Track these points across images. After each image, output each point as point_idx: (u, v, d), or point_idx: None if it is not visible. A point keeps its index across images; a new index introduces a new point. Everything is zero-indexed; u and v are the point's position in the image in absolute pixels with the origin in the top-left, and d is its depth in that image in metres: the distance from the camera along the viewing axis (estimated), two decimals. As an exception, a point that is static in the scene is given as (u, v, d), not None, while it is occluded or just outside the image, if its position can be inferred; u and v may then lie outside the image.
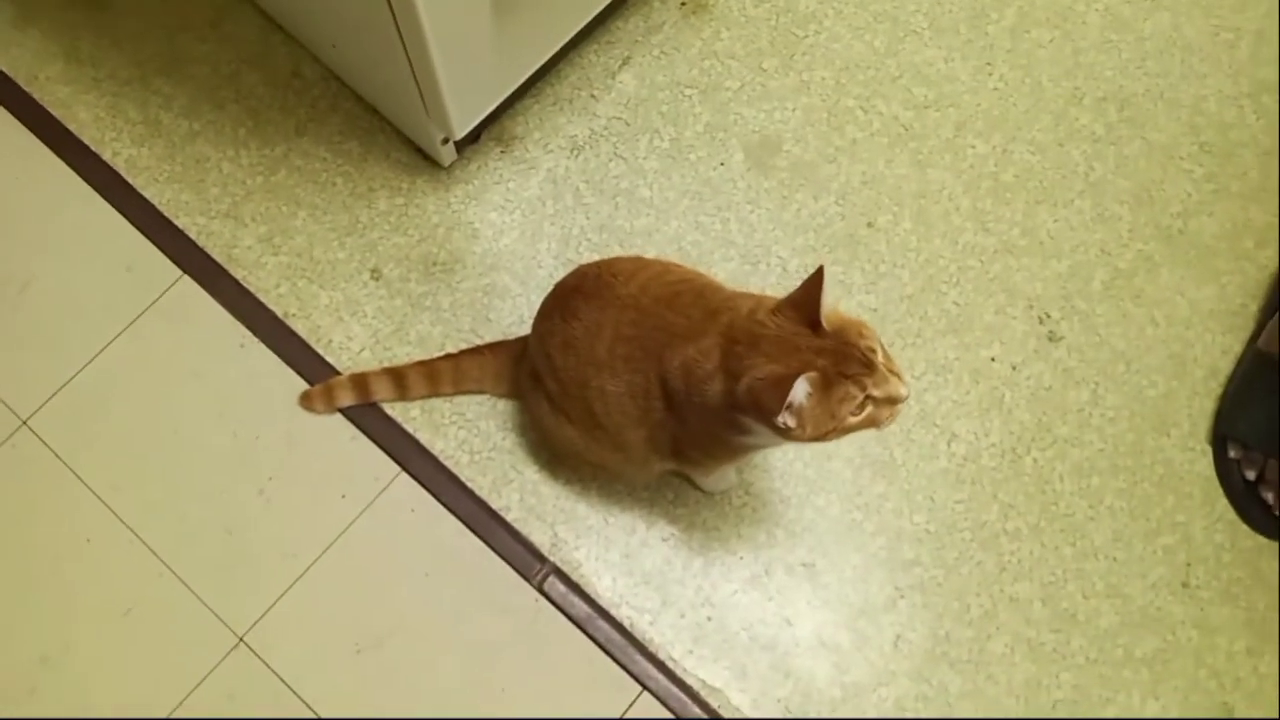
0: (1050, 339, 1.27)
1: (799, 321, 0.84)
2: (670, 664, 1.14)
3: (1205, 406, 1.24)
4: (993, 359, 1.26)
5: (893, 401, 0.84)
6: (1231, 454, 1.21)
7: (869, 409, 0.83)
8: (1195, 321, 1.27)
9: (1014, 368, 1.25)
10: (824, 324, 0.83)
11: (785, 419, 0.81)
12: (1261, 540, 1.20)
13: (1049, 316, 1.27)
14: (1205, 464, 1.23)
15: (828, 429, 0.83)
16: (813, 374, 0.80)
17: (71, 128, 1.30)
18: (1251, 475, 1.20)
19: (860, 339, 0.83)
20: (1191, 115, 1.35)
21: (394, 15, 0.97)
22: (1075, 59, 1.38)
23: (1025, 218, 1.31)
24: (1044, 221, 1.31)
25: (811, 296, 0.83)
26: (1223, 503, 1.21)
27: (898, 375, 0.84)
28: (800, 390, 0.79)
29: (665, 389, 0.93)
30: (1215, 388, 1.25)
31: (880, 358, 0.84)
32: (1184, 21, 1.39)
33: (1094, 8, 1.40)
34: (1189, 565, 1.19)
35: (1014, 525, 1.20)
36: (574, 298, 1.00)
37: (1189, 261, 1.29)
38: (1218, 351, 1.26)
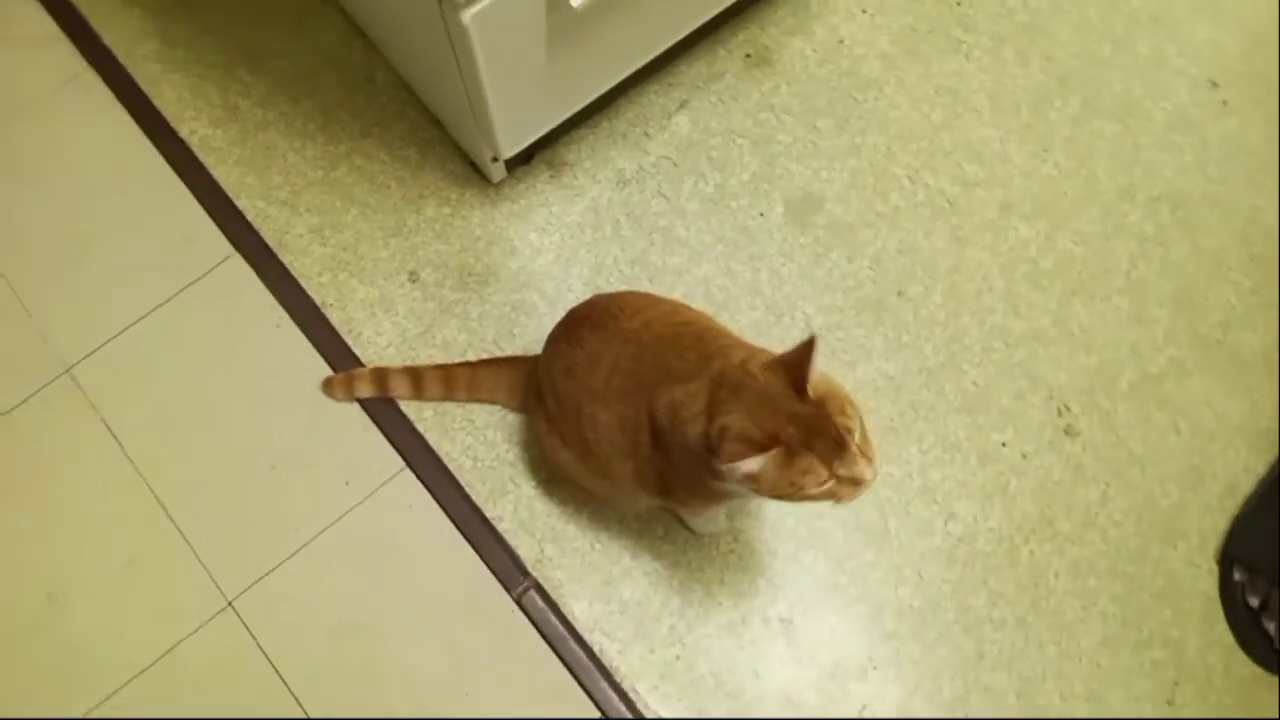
0: (1067, 432, 1.25)
1: (786, 382, 0.85)
2: (633, 695, 1.15)
3: (1217, 524, 1.21)
4: (1004, 444, 1.24)
5: (855, 483, 0.85)
6: (1237, 577, 1.17)
7: (830, 484, 0.84)
8: (1220, 435, 1.24)
9: (1024, 456, 1.24)
10: (810, 391, 0.84)
11: (737, 471, 0.82)
12: (1257, 670, 1.16)
13: (1068, 409, 1.26)
14: (1209, 583, 1.19)
15: (785, 493, 0.84)
16: (777, 450, 0.81)
17: (156, 103, 1.39)
18: (1255, 602, 1.16)
19: (841, 415, 0.84)
20: (1246, 225, 1.33)
21: (450, 41, 1.02)
22: (1135, 154, 1.36)
23: (1059, 307, 1.30)
24: (1078, 313, 1.29)
25: (802, 360, 0.84)
26: (1222, 625, 1.18)
27: (868, 458, 0.85)
28: (755, 463, 0.81)
29: (653, 426, 0.95)
30: (1231, 506, 1.22)
31: (856, 438, 0.84)
32: (1251, 130, 1.37)
33: (1161, 105, 1.38)
34: (1176, 684, 1.16)
35: (1000, 614, 1.18)
36: (581, 326, 1.03)
37: (1222, 373, 1.27)
38: (1239, 469, 1.23)
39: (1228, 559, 1.19)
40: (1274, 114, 1.37)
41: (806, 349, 0.83)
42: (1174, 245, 1.32)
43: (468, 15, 0.96)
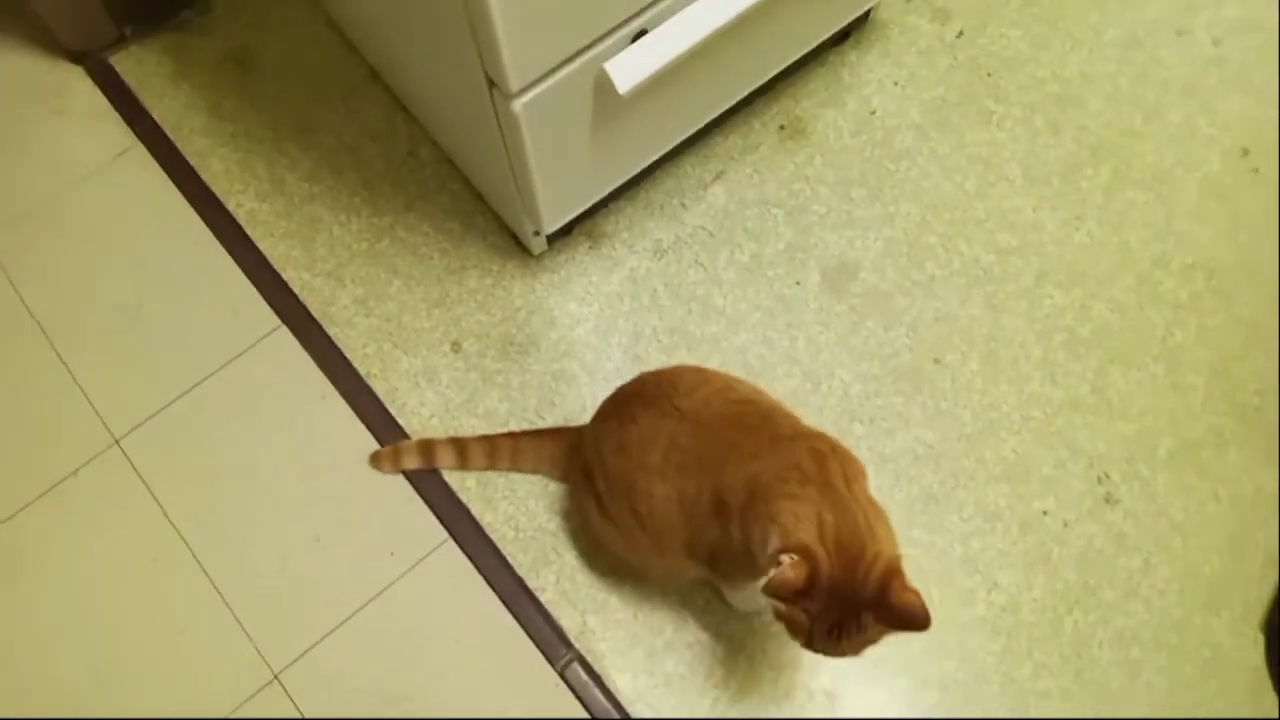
0: (1107, 500, 1.25)
1: (879, 584, 0.85)
2: (677, 770, 1.15)
3: (1261, 593, 1.21)
4: (1045, 513, 1.25)
5: (820, 652, 0.88)
6: (1283, 647, 1.17)
7: (802, 638, 0.88)
8: (1260, 504, 1.24)
9: (1066, 524, 1.24)
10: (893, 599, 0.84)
11: (763, 554, 0.85)
12: (1307, 742, 1.16)
13: (1108, 478, 1.26)
14: (1255, 653, 1.19)
15: (773, 606, 0.87)
16: (801, 574, 0.83)
17: (204, 177, 1.42)
18: (1303, 672, 1.16)
19: (874, 631, 0.85)
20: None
21: (500, 129, 1.05)
22: (1168, 223, 1.38)
23: (1096, 375, 1.30)
24: (1115, 381, 1.30)
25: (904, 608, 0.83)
26: (1270, 696, 1.17)
27: (850, 655, 0.88)
28: (780, 571, 0.83)
29: (717, 500, 0.96)
30: (1273, 575, 1.22)
31: (865, 635, 0.86)
32: (1284, 199, 1.38)
33: (1194, 175, 1.40)
34: (1225, 756, 1.15)
35: (1044, 686, 1.18)
36: (633, 403, 1.05)
37: (1260, 442, 1.27)
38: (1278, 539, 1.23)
39: (1274, 628, 1.18)
40: (1305, 182, 1.39)
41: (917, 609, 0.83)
42: (1209, 314, 1.33)
43: (518, 105, 0.99)
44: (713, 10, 1.03)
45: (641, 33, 1.01)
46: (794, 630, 0.89)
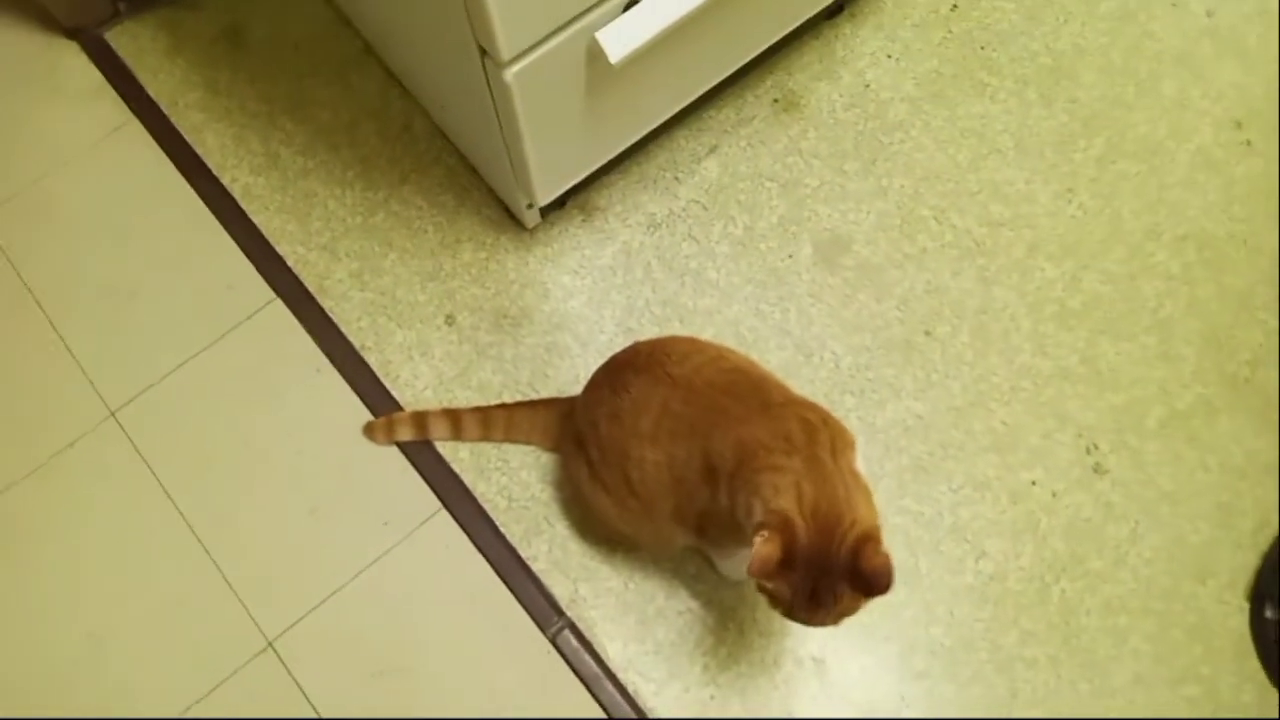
0: (1096, 470, 1.26)
1: (852, 550, 0.86)
2: (668, 735, 1.17)
3: (1248, 561, 1.22)
4: (1034, 483, 1.26)
5: (797, 621, 0.91)
6: (1269, 614, 1.18)
7: (782, 608, 0.90)
8: (1249, 473, 1.25)
9: (1054, 494, 1.25)
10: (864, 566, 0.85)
11: (748, 523, 0.86)
12: (1292, 708, 1.17)
13: (1097, 448, 1.27)
14: (1240, 620, 1.20)
15: (753, 578, 0.88)
16: (793, 580, 0.86)
17: (199, 152, 1.43)
18: (1288, 639, 1.17)
19: (853, 602, 0.88)
20: (1271, 264, 1.34)
21: (493, 99, 1.05)
22: (1159, 194, 1.38)
23: (1087, 346, 1.31)
24: (1105, 352, 1.31)
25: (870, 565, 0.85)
26: (1254, 663, 1.18)
27: (828, 622, 0.89)
28: (756, 549, 0.84)
29: (707, 464, 0.97)
30: (1261, 543, 1.22)
31: (839, 607, 0.88)
32: (1275, 169, 1.38)
33: (1185, 146, 1.40)
34: (1211, 721, 1.16)
35: (1032, 653, 1.19)
36: (625, 372, 1.06)
37: (1251, 411, 1.28)
38: (1269, 506, 1.24)
39: (1259, 596, 1.19)
40: (1297, 153, 1.39)
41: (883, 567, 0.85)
42: (1200, 284, 1.33)
43: (510, 73, 0.99)
44: (703, -20, 1.04)
45: (633, 1, 1.02)
46: (774, 603, 0.91)
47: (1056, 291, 1.34)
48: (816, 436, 0.91)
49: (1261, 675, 1.17)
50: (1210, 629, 1.19)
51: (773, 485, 0.87)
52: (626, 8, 1.02)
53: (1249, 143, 1.40)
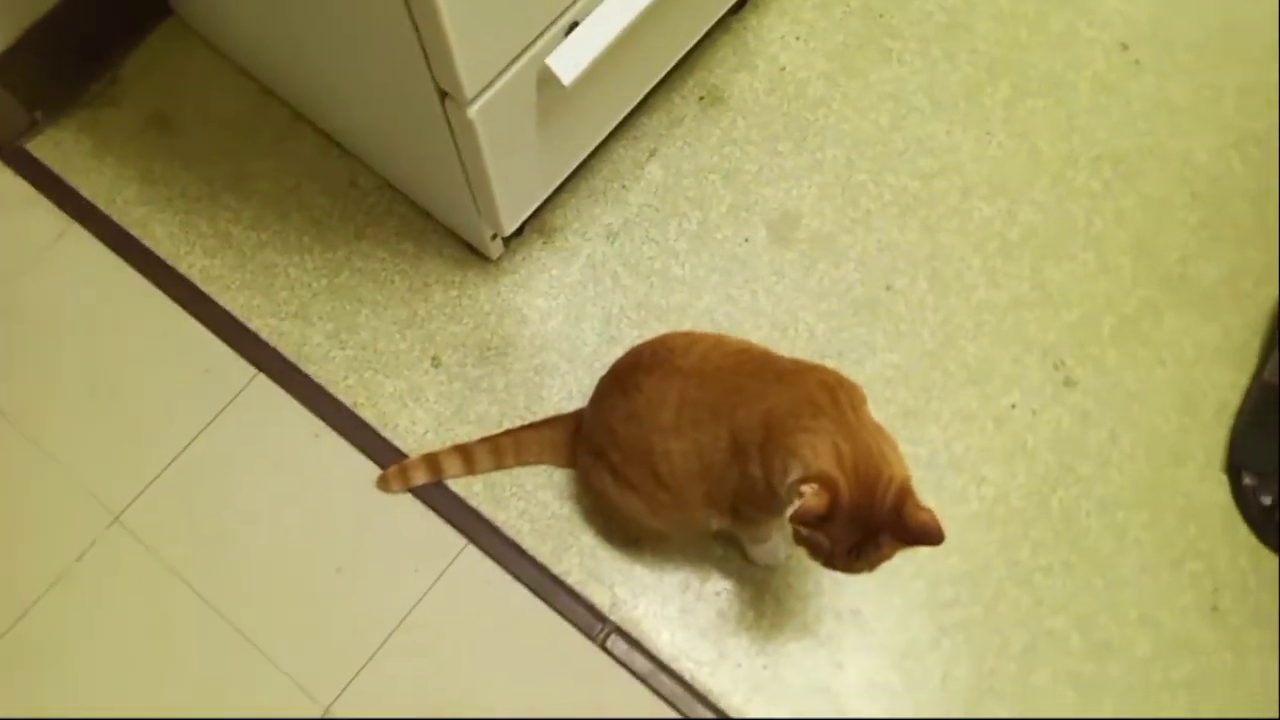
0: (1066, 384, 1.35)
1: (895, 505, 0.92)
2: (731, 713, 1.21)
3: (1218, 439, 1.32)
4: (1013, 406, 1.34)
5: (841, 569, 0.96)
6: (1246, 481, 1.28)
7: (822, 558, 0.95)
8: (1202, 359, 1.36)
9: (1034, 413, 1.34)
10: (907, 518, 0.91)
11: (789, 493, 0.91)
12: (1284, 562, 1.27)
13: (1063, 364, 1.36)
14: (1223, 493, 1.30)
15: (795, 532, 0.94)
16: (836, 540, 0.91)
17: (149, 244, 1.42)
18: (1268, 500, 1.27)
19: (890, 548, 0.93)
20: (1182, 168, 1.45)
21: (454, 139, 1.09)
22: (1069, 123, 1.48)
23: (1033, 273, 1.40)
24: (1051, 275, 1.40)
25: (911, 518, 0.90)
26: (1243, 529, 1.28)
27: (865, 569, 0.95)
28: (807, 502, 0.89)
29: (735, 443, 1.01)
30: (1226, 420, 1.33)
31: (882, 551, 0.93)
32: (1168, 82, 1.50)
33: (1082, 75, 1.51)
34: (1216, 590, 1.26)
35: (1046, 561, 1.27)
36: (634, 374, 1.10)
37: (1191, 304, 1.38)
38: (1225, 386, 1.34)
39: (1234, 468, 1.30)
40: (1182, 66, 1.51)
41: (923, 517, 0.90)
42: (1122, 198, 1.44)
43: (473, 111, 1.03)
44: (633, -5, 1.09)
45: (574, 25, 1.06)
46: (814, 552, 0.96)
47: (995, 228, 1.43)
48: (836, 396, 0.97)
49: (1252, 539, 1.27)
50: (1198, 508, 1.29)
51: (810, 446, 0.92)
52: (568, 31, 1.07)
53: (1138, 62, 1.51)
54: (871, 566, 0.96)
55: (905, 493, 0.92)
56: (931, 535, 0.89)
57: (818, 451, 0.92)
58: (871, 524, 0.92)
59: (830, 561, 0.96)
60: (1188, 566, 1.27)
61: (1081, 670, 1.22)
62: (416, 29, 0.93)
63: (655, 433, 1.05)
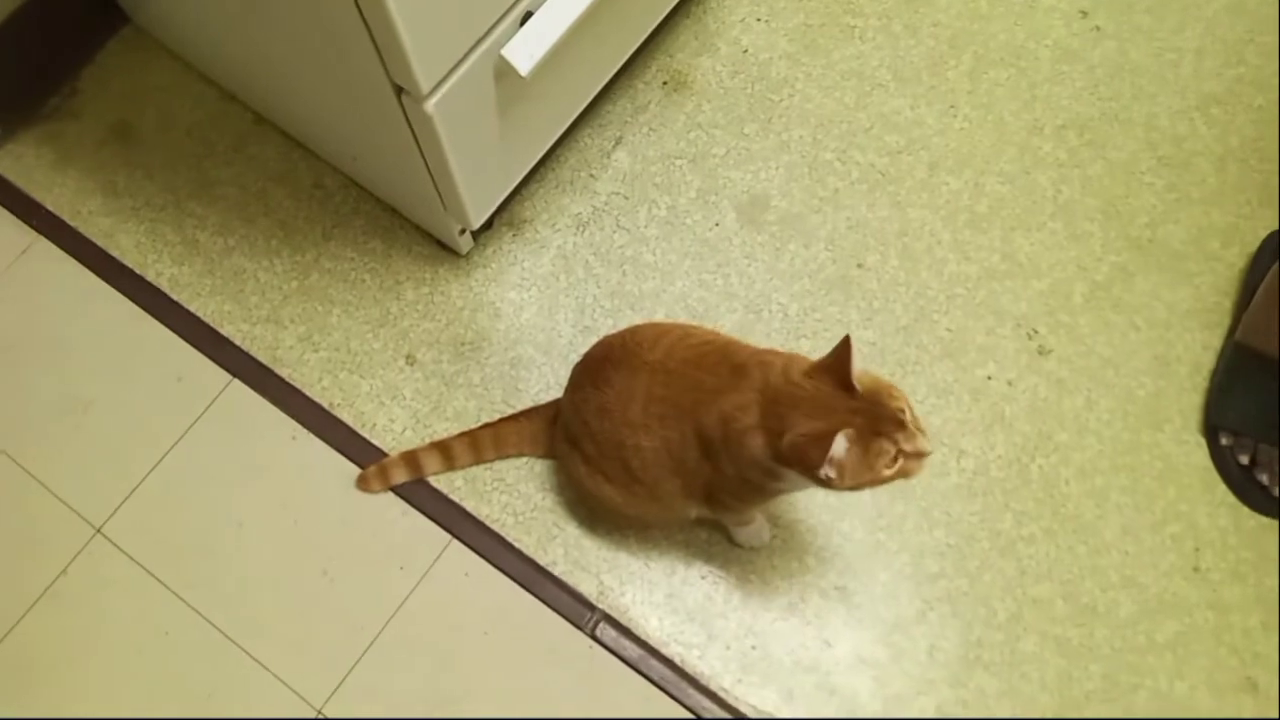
0: (1040, 353, 1.35)
1: (834, 384, 0.92)
2: (721, 694, 1.21)
3: (1194, 400, 1.33)
4: (989, 377, 1.34)
5: (920, 455, 0.93)
6: (1224, 442, 1.29)
7: (900, 462, 0.92)
8: (1174, 322, 1.36)
9: (1010, 383, 1.34)
10: (857, 386, 0.91)
11: (827, 471, 0.90)
12: (1263, 520, 1.27)
13: (1037, 332, 1.36)
14: (1201, 454, 1.31)
15: (864, 480, 0.92)
16: (850, 430, 0.89)
17: (115, 255, 1.41)
18: (1245, 460, 1.28)
19: (891, 400, 0.92)
20: (1146, 132, 1.46)
21: (414, 135, 1.08)
22: (1032, 92, 1.49)
23: (1003, 243, 1.41)
24: (1021, 245, 1.41)
25: (842, 362, 0.91)
26: (1221, 489, 1.29)
27: (923, 432, 0.93)
28: (840, 445, 0.88)
29: (701, 440, 1.01)
30: (1200, 382, 1.33)
31: (909, 417, 0.92)
32: (1129, 47, 1.50)
33: (1044, 44, 1.51)
34: (1197, 550, 1.26)
35: (1028, 530, 1.27)
36: (604, 367, 1.10)
37: (1161, 267, 1.39)
38: (1199, 348, 1.35)
39: (1211, 429, 1.30)
40: (1142, 29, 1.51)
41: (844, 350, 0.91)
42: (1088, 165, 1.44)
43: (430, 105, 1.02)
44: (588, -19, 1.08)
45: (528, 15, 1.06)
46: (897, 468, 0.92)
47: (964, 200, 1.43)
48: (791, 377, 0.96)
49: (1231, 499, 1.28)
50: (1177, 470, 1.30)
51: (791, 425, 0.92)
52: (523, 21, 1.07)
53: (1098, 28, 1.52)
54: (923, 433, 0.93)
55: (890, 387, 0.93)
56: None
57: (808, 426, 0.91)
58: (877, 412, 0.91)
59: (906, 464, 0.93)
60: (1168, 529, 1.27)
61: (1068, 636, 1.23)
62: (367, 25, 0.93)
63: (625, 428, 1.05)
